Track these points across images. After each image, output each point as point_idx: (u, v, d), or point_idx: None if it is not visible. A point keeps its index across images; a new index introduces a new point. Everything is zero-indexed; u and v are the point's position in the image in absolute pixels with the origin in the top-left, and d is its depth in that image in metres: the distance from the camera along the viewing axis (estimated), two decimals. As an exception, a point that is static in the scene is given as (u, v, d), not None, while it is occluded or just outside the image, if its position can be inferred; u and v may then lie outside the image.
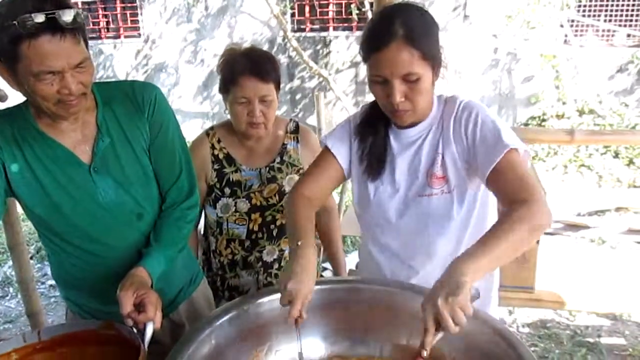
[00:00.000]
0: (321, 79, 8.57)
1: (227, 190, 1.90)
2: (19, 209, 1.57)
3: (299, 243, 1.34)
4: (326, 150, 1.58)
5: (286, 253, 1.98)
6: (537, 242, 2.63)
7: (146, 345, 1.23)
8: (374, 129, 1.52)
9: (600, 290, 2.93)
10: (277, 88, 1.83)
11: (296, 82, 9.14)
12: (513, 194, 1.26)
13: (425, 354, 1.11)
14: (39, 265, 4.62)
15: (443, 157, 1.45)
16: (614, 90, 7.63)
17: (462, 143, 1.42)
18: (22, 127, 1.36)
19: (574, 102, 7.51)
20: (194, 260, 1.81)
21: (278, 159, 1.94)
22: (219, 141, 1.92)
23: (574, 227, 4.86)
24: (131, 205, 1.47)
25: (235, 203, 1.89)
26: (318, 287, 1.46)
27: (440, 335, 1.11)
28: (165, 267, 1.47)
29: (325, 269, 3.28)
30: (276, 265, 1.99)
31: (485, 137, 1.36)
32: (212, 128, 1.98)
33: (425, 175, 1.48)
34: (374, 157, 1.52)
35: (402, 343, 1.42)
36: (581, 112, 7.44)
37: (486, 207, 1.51)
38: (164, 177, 1.54)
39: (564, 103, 7.58)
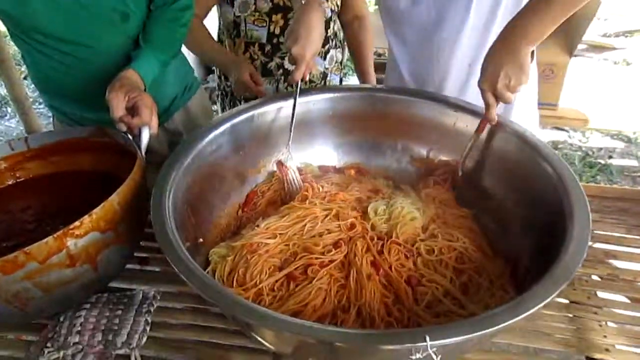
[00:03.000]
0: None
1: None
2: (2, 27, 1.35)
3: (304, 0, 1.22)
4: None
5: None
6: (570, 55, 2.43)
7: (143, 152, 1.12)
8: None
9: (622, 111, 2.80)
10: None
11: None
12: None
13: (494, 122, 1.14)
14: (33, 85, 4.41)
15: None
16: None
17: None
18: None
19: None
20: (188, 68, 1.64)
21: None
22: None
23: (599, 48, 4.56)
24: (113, 2, 1.25)
25: (255, 1, 1.66)
26: (332, 94, 1.33)
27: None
28: (158, 73, 1.30)
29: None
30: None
31: None
32: None
33: None
34: None
35: (422, 155, 1.33)
36: None
37: None
38: None
39: None
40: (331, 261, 1.02)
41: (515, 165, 1.13)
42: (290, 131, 1.23)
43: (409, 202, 1.16)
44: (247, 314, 0.74)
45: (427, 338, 0.68)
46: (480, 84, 1.09)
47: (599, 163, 3.20)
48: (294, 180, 1.25)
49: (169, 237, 0.86)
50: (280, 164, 1.25)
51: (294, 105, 1.23)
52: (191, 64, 1.69)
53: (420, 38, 1.38)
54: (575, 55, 4.42)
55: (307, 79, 1.23)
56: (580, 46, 4.50)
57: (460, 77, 1.39)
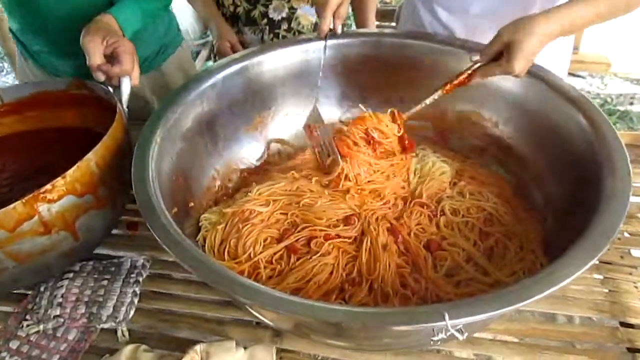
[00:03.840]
0: None
1: None
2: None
3: None
4: None
5: (298, 12, 1.66)
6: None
7: (125, 105, 1.01)
8: None
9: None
10: None
11: None
12: None
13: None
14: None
15: None
16: None
17: None
18: None
19: None
20: (169, 24, 1.47)
21: None
22: None
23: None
24: None
25: None
26: (335, 41, 1.19)
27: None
28: (141, 24, 1.17)
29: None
30: (285, 26, 1.67)
31: None
32: None
33: None
34: None
35: (437, 106, 1.19)
36: None
37: None
38: None
39: None
40: (339, 236, 0.92)
41: (540, 114, 1.01)
42: (318, 85, 1.09)
43: (436, 156, 1.05)
44: (235, 290, 0.64)
45: (446, 316, 0.59)
46: (502, 30, 0.91)
47: (618, 110, 3.04)
48: (325, 145, 1.07)
49: (152, 203, 0.77)
50: (308, 127, 1.09)
51: (322, 65, 1.09)
52: (190, 16, 1.56)
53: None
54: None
55: (339, 31, 1.09)
56: None
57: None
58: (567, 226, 0.84)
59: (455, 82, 0.98)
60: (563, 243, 0.76)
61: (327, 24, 1.04)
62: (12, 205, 0.77)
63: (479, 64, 0.95)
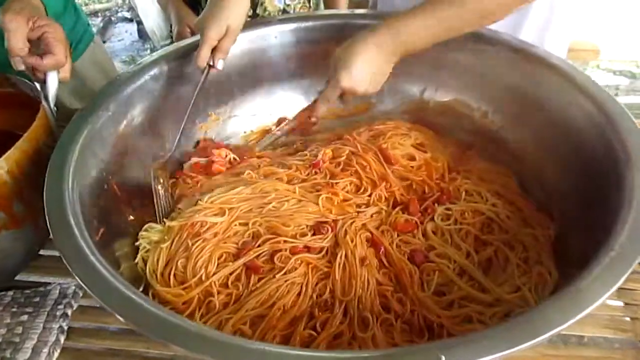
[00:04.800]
0: None
1: None
2: None
3: None
4: None
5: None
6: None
7: (52, 103, 0.85)
8: None
9: (624, 44, 2.56)
10: None
11: None
12: None
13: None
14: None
15: None
16: None
17: None
18: None
19: None
20: (79, 18, 1.29)
21: None
22: None
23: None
24: None
25: None
26: (297, 24, 1.04)
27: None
28: (62, 6, 1.00)
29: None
30: (249, 12, 1.52)
31: None
32: None
33: None
34: None
35: (414, 96, 1.06)
36: None
37: None
38: None
39: None
40: (308, 248, 0.77)
41: (536, 99, 0.88)
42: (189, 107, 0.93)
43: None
44: (167, 336, 0.50)
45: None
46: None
47: (603, 101, 2.96)
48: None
49: (64, 223, 0.61)
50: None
51: (195, 94, 0.92)
52: (157, 15, 1.41)
53: None
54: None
55: (219, 67, 0.91)
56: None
57: None
58: (579, 231, 0.70)
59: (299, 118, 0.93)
60: (576, 252, 0.63)
61: (203, 58, 0.87)
62: None
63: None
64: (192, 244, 0.76)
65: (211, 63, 0.88)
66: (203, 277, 0.73)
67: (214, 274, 0.73)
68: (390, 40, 0.80)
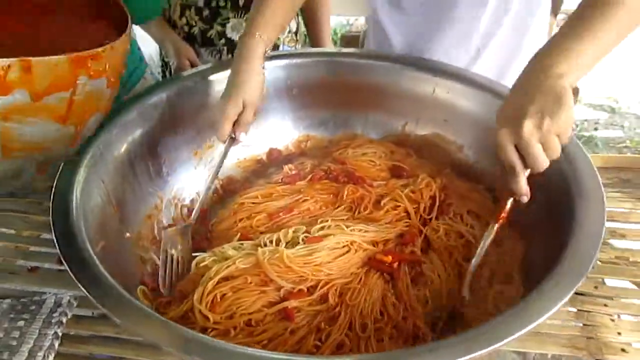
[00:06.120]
0: None
1: None
2: None
3: (241, 35, 0.97)
4: None
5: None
6: (555, 15, 2.27)
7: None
8: None
9: (603, 80, 2.67)
10: None
11: None
12: None
13: (525, 199, 0.74)
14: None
15: None
16: None
17: None
18: None
19: None
20: None
21: None
22: None
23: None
24: None
25: None
26: (287, 61, 1.12)
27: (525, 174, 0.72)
28: None
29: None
30: (243, 45, 1.61)
31: None
32: None
33: None
34: None
35: (396, 129, 1.14)
36: None
37: None
38: None
39: None
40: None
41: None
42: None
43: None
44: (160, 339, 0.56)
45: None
46: (498, 136, 0.71)
47: (583, 136, 3.06)
48: None
49: (73, 235, 0.67)
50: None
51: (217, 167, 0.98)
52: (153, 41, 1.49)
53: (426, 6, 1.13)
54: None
55: (241, 140, 0.95)
56: (560, 16, 4.37)
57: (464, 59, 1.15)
58: (543, 254, 0.77)
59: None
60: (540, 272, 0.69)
61: (225, 133, 0.92)
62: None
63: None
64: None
65: (233, 136, 0.94)
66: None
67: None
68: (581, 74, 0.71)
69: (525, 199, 0.73)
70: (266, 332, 0.73)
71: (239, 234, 0.89)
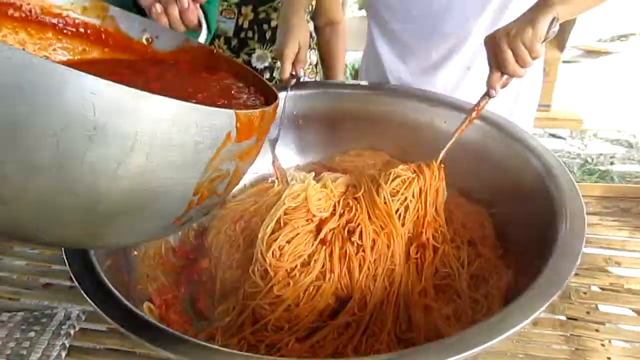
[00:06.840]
0: None
1: None
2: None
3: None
4: None
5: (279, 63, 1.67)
6: (561, 50, 2.33)
7: None
8: None
9: (618, 113, 2.69)
10: None
11: None
12: None
13: (493, 93, 0.93)
14: None
15: None
16: None
17: None
18: None
19: None
20: None
21: None
22: None
23: (594, 53, 4.46)
24: None
25: None
26: (294, 92, 1.18)
27: (503, 79, 0.92)
28: None
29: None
30: (267, 75, 1.67)
31: None
32: None
33: None
34: None
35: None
36: None
37: None
38: None
39: None
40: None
41: (496, 160, 1.00)
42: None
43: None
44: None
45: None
46: (486, 37, 0.90)
47: (599, 170, 3.06)
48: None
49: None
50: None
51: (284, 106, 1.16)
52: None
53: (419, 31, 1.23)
54: (570, 62, 4.34)
55: (301, 74, 1.16)
56: (574, 52, 4.42)
57: (452, 81, 1.24)
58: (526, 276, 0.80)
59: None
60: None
61: (287, 71, 1.11)
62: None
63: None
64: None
65: (293, 73, 1.13)
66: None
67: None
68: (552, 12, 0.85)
69: (493, 93, 0.92)
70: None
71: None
